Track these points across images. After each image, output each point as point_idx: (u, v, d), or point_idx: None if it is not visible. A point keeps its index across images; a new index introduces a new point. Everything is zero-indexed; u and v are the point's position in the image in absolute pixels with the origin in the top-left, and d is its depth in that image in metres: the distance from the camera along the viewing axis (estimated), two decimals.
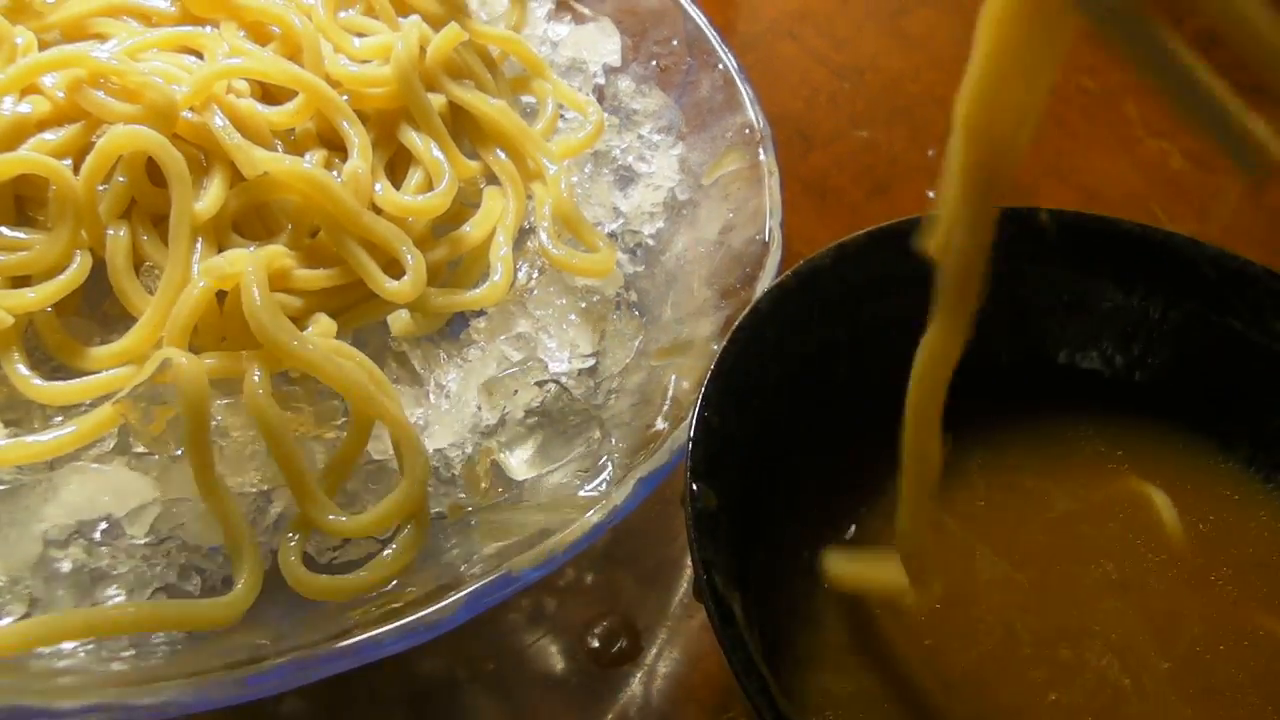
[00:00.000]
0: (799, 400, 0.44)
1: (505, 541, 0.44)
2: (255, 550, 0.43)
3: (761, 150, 0.60)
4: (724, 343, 0.41)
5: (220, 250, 0.50)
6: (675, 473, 0.44)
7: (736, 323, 0.41)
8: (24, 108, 0.50)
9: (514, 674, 0.50)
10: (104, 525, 0.43)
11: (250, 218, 0.53)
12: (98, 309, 0.50)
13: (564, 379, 0.52)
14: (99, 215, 0.49)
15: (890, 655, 0.39)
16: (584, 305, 0.55)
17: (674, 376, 0.51)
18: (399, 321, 0.53)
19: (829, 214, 0.76)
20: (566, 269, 0.56)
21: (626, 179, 0.63)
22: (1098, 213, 0.45)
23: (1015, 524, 0.43)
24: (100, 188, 0.49)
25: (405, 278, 0.52)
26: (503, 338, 0.53)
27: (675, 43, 0.69)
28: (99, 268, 0.49)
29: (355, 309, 0.53)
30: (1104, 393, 0.46)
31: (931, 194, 0.84)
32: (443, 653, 0.50)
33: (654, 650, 0.52)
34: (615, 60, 0.70)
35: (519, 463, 0.50)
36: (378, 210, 0.54)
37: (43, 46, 0.53)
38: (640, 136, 0.66)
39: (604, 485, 0.46)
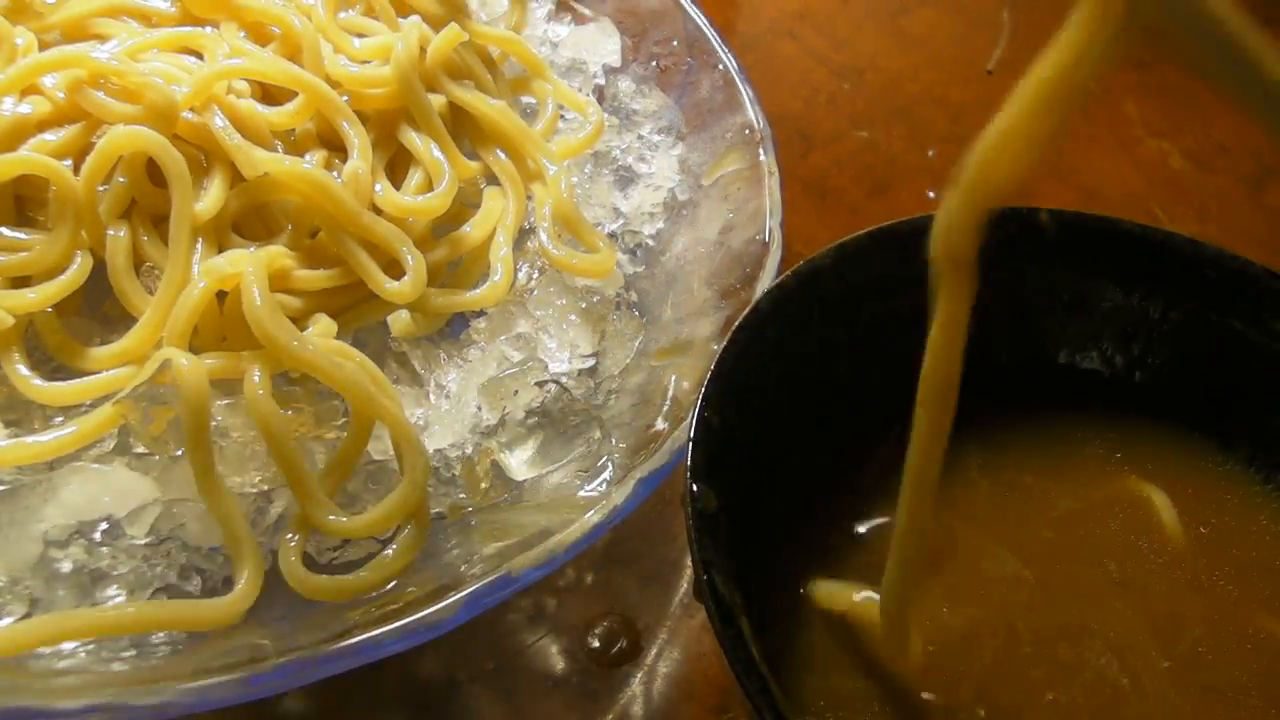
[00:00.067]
0: (799, 400, 0.44)
1: (505, 542, 0.44)
2: (255, 550, 0.43)
3: (761, 150, 0.60)
4: (724, 343, 0.41)
5: (220, 251, 0.50)
6: (675, 473, 0.44)
7: (736, 323, 0.41)
8: (24, 108, 0.50)
9: (514, 674, 0.50)
10: (104, 525, 0.43)
11: (250, 218, 0.53)
12: (98, 309, 0.50)
13: (564, 379, 0.52)
14: (99, 216, 0.49)
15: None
16: (584, 305, 0.55)
17: (674, 376, 0.51)
18: (399, 322, 0.53)
19: (829, 214, 0.76)
20: (566, 269, 0.56)
21: (626, 179, 0.63)
22: (1098, 213, 0.45)
23: (1017, 523, 0.43)
24: (100, 188, 0.49)
25: (405, 278, 0.52)
26: (503, 338, 0.53)
27: (675, 43, 0.69)
28: (99, 268, 0.49)
29: (355, 309, 0.53)
30: (1104, 393, 0.46)
31: (932, 194, 0.84)
32: (443, 653, 0.50)
33: (654, 650, 0.52)
34: (615, 60, 0.70)
35: (519, 463, 0.50)
36: (378, 211, 0.54)
37: (43, 47, 0.53)
38: (640, 137, 0.66)
39: (604, 485, 0.46)
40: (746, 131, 0.61)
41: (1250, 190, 0.81)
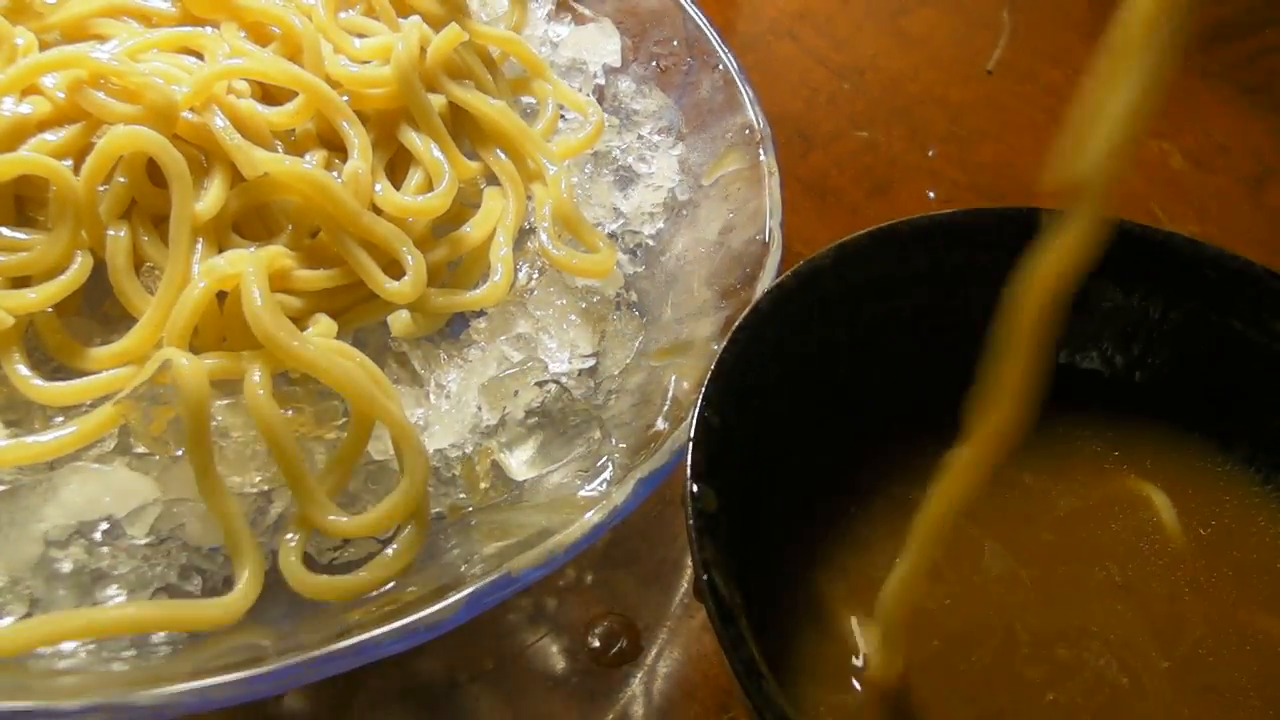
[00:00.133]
0: (799, 400, 0.44)
1: (505, 542, 0.44)
2: (256, 550, 0.43)
3: (761, 150, 0.60)
4: (724, 343, 0.41)
5: (220, 251, 0.50)
6: (675, 473, 0.44)
7: (736, 323, 0.41)
8: (24, 108, 0.50)
9: (514, 674, 0.50)
10: (104, 525, 0.43)
11: (250, 218, 0.53)
12: (98, 309, 0.50)
13: (564, 379, 0.52)
14: (99, 216, 0.49)
15: None
16: (584, 305, 0.55)
17: (674, 376, 0.51)
18: (399, 322, 0.53)
19: (829, 214, 0.76)
20: (566, 269, 0.56)
21: (626, 179, 0.63)
22: None
23: (1016, 522, 0.43)
24: (100, 188, 0.49)
25: (405, 278, 0.52)
26: (503, 338, 0.53)
27: (675, 43, 0.69)
28: (99, 268, 0.49)
29: (355, 309, 0.53)
30: (1104, 393, 0.46)
31: (932, 194, 0.84)
32: (443, 653, 0.50)
33: (654, 650, 0.52)
34: (615, 61, 0.70)
35: (519, 463, 0.50)
36: (378, 211, 0.54)
37: (43, 47, 0.53)
38: (640, 137, 0.66)
39: (604, 485, 0.46)
40: (746, 131, 0.61)
41: (1250, 190, 0.81)
